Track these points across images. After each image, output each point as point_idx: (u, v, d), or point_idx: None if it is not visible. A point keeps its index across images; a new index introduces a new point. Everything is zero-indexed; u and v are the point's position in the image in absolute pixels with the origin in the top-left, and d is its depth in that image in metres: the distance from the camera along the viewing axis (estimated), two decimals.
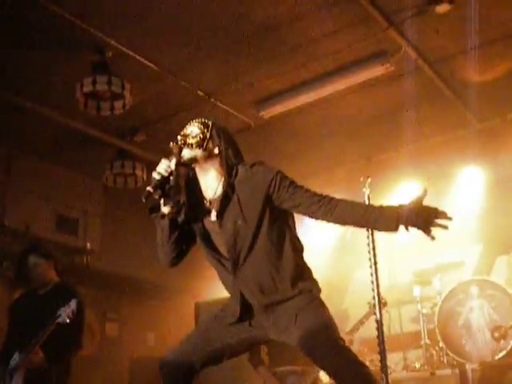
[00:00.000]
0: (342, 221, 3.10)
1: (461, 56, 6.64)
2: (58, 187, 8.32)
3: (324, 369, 3.05)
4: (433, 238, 2.95)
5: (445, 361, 6.64)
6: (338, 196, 3.11)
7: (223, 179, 3.15)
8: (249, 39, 6.12)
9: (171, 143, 3.19)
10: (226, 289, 3.26)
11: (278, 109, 7.11)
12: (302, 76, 6.73)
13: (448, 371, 6.15)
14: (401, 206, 3.01)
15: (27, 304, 5.35)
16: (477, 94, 7.23)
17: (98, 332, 9.35)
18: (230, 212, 3.11)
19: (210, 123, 3.24)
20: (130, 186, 8.16)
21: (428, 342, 6.98)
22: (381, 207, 3.05)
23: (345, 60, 6.53)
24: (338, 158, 8.41)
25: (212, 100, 7.02)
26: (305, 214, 3.12)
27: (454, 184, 8.64)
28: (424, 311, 7.13)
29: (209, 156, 3.17)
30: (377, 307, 4.57)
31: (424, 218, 2.95)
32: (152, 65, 6.41)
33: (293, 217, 3.26)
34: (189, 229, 3.23)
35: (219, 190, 3.16)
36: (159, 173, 3.04)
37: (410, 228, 2.97)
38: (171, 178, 3.05)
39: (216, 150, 3.18)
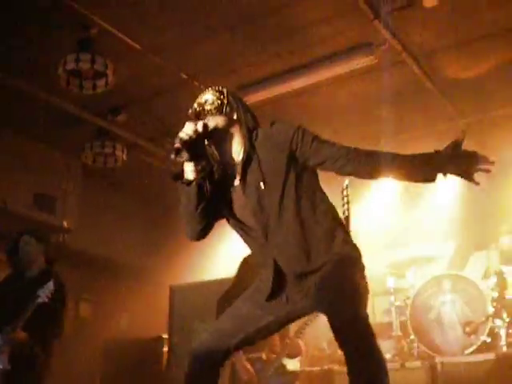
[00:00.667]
0: (373, 173, 2.94)
1: (446, 51, 6.67)
2: (37, 164, 8.28)
3: (341, 347, 2.76)
4: (477, 184, 2.78)
5: (415, 353, 6.68)
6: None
7: (244, 144, 3.03)
8: (235, 24, 6.11)
9: (189, 110, 3.05)
10: (258, 259, 3.12)
11: (261, 95, 7.08)
12: (286, 64, 6.72)
13: (418, 363, 6.18)
14: (437, 153, 2.82)
15: (12, 285, 5.34)
16: (460, 90, 7.29)
17: (72, 312, 9.32)
18: (252, 175, 2.98)
19: (224, 90, 3.12)
20: (109, 165, 8.13)
21: (399, 333, 7.02)
22: (414, 155, 2.87)
23: (330, 50, 6.53)
24: None
25: (195, 83, 6.99)
26: (333, 169, 2.97)
27: None
28: (397, 303, 7.16)
29: (229, 122, 3.04)
30: None
31: (464, 163, 2.78)
32: (137, 45, 6.38)
33: (317, 176, 3.11)
34: (215, 199, 3.04)
35: (240, 155, 3.03)
36: (187, 133, 2.85)
37: (448, 175, 2.82)
38: (198, 141, 2.90)
39: (235, 116, 3.07)
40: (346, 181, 4.66)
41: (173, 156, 2.83)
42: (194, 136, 2.86)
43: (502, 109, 7.65)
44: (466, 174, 2.80)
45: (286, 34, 6.28)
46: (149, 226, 10.24)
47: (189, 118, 3.01)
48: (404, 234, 8.63)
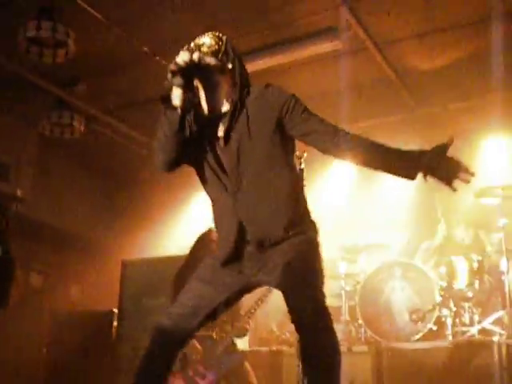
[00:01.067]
0: (354, 157, 2.97)
1: (409, 41, 6.72)
2: None
3: (296, 322, 2.86)
4: (454, 190, 2.80)
5: (362, 338, 6.77)
6: None
7: (234, 96, 3.03)
8: (201, 1, 6.06)
9: (185, 48, 2.98)
10: (222, 219, 3.08)
11: None
12: (249, 44, 6.69)
13: (364, 348, 6.25)
14: (422, 153, 2.85)
15: None
16: (420, 81, 7.35)
17: (22, 282, 9.24)
18: (237, 129, 2.99)
19: (224, 37, 3.10)
20: (66, 136, 8.02)
21: (348, 318, 7.11)
22: (400, 150, 2.91)
23: (294, 32, 6.52)
24: None
25: (157, 58, 6.92)
26: (315, 144, 3.00)
27: None
28: (347, 288, 7.24)
29: (221, 70, 3.00)
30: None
31: (446, 169, 2.80)
32: (100, 16, 6.28)
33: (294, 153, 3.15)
34: (192, 140, 3.02)
35: (227, 106, 3.04)
36: (183, 59, 2.80)
37: (428, 178, 2.84)
38: (192, 69, 2.85)
39: (229, 65, 3.05)
40: (302, 164, 4.66)
41: (169, 76, 2.81)
42: (190, 63, 2.82)
43: (461, 101, 7.72)
44: (447, 180, 2.82)
45: (251, 16, 6.26)
46: (105, 200, 10.18)
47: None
48: (357, 220, 8.70)
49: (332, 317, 2.88)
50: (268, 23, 6.37)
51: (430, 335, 6.37)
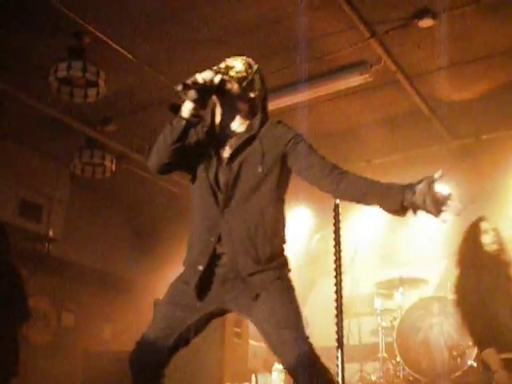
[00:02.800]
0: (346, 195, 3.03)
1: (440, 72, 6.65)
2: (24, 171, 8.20)
3: (282, 361, 2.89)
4: (444, 222, 2.76)
5: (401, 376, 6.63)
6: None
7: (249, 123, 3.14)
8: (229, 39, 6.06)
9: (214, 67, 3.07)
10: (200, 235, 3.07)
11: None
12: (280, 80, 6.67)
13: None
14: (409, 186, 2.83)
15: None
16: (453, 112, 7.26)
17: (54, 321, 9.22)
18: (242, 154, 3.06)
19: (255, 66, 3.21)
20: (97, 176, 8.05)
21: (385, 355, 6.97)
22: (388, 185, 2.93)
23: (324, 67, 6.50)
24: None
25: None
26: (313, 179, 3.04)
27: None
28: (383, 324, 7.12)
29: (242, 97, 3.13)
30: (338, 317, 4.52)
31: (434, 202, 2.76)
32: (129, 55, 6.32)
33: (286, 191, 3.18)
34: (190, 149, 3.13)
35: (240, 131, 3.13)
36: (203, 77, 2.94)
37: (418, 212, 2.82)
38: (210, 89, 2.99)
39: (252, 94, 3.15)
40: (337, 199, 4.61)
41: (179, 88, 2.92)
42: (208, 84, 2.96)
43: (494, 132, 7.62)
44: (435, 213, 2.77)
45: (280, 50, 6.25)
46: (135, 238, 10.17)
47: None
48: (393, 254, 8.60)
49: (319, 357, 2.87)
50: (296, 58, 6.33)
51: (470, 372, 6.20)
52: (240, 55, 3.25)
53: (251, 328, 7.04)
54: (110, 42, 6.11)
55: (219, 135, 3.16)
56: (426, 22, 5.79)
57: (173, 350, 3.05)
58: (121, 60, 6.34)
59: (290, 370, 2.85)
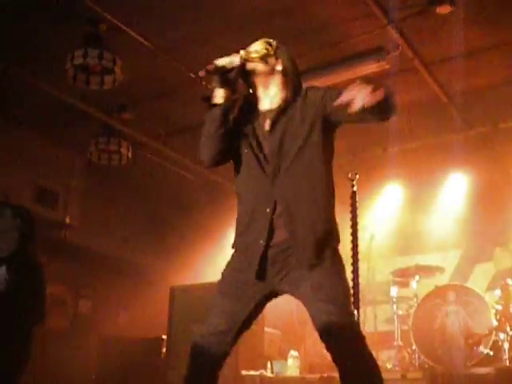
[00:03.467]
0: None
1: (457, 59, 6.59)
2: (41, 158, 8.24)
3: (332, 350, 2.86)
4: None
5: (416, 364, 6.61)
6: None
7: (283, 95, 3.17)
8: (245, 25, 6.04)
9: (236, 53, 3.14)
10: (253, 210, 3.06)
11: None
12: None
13: (419, 374, 6.09)
14: None
15: None
16: (470, 100, 7.20)
17: (71, 308, 9.28)
18: (282, 122, 3.10)
19: (274, 42, 3.26)
20: (114, 163, 8.08)
21: (401, 343, 6.96)
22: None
23: (341, 53, 6.48)
24: None
25: (203, 83, 6.92)
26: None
27: (438, 188, 8.63)
28: (399, 312, 7.10)
29: (270, 71, 3.17)
30: (355, 305, 4.52)
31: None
32: (146, 42, 6.32)
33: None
34: (236, 132, 3.16)
35: (276, 103, 3.16)
36: (223, 61, 3.03)
37: None
38: (232, 72, 3.06)
39: (279, 67, 3.20)
40: (355, 187, 4.60)
41: (201, 73, 3.02)
42: (229, 67, 3.03)
43: (511, 121, 7.57)
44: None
45: (297, 37, 6.21)
46: (152, 225, 10.19)
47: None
48: (409, 243, 8.59)
49: (365, 339, 2.88)
50: (314, 45, 6.32)
51: (486, 360, 6.19)
52: (256, 40, 3.28)
53: (267, 315, 7.06)
54: (127, 30, 6.12)
55: (257, 112, 3.19)
56: (444, 9, 5.75)
57: (234, 342, 3.06)
58: (137, 47, 6.34)
59: (336, 355, 2.85)
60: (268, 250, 2.99)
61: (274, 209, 3.00)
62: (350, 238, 4.63)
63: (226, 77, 3.03)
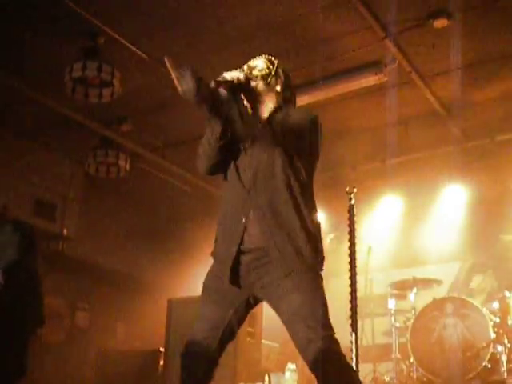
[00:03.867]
0: None
1: (455, 72, 6.62)
2: (39, 170, 8.23)
3: (305, 357, 2.88)
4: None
5: (414, 376, 6.60)
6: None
7: (274, 112, 3.23)
8: (244, 39, 6.07)
9: (238, 69, 3.21)
10: (229, 219, 3.13)
11: None
12: (295, 79, 6.65)
13: None
14: None
15: None
16: (468, 112, 7.24)
17: (68, 320, 9.26)
18: (264, 137, 3.16)
19: (275, 62, 3.33)
20: (112, 175, 8.08)
21: (399, 356, 6.94)
22: None
23: (339, 67, 6.50)
24: (322, 164, 8.37)
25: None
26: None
27: (436, 200, 8.64)
28: (397, 324, 7.09)
29: (269, 91, 3.24)
30: (353, 318, 4.52)
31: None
32: (144, 55, 6.34)
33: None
34: (230, 147, 3.19)
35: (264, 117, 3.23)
36: (231, 76, 3.08)
37: None
38: (237, 87, 3.10)
39: (278, 88, 3.28)
40: (352, 200, 4.60)
41: (213, 84, 3.01)
42: (236, 82, 3.07)
43: (509, 132, 7.59)
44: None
45: (296, 49, 6.24)
46: (150, 237, 10.17)
47: None
48: (407, 255, 8.59)
49: (343, 352, 2.89)
50: (311, 58, 6.33)
51: (484, 373, 6.18)
52: (256, 55, 3.31)
53: (264, 328, 7.06)
54: (125, 42, 6.13)
55: (249, 129, 3.23)
56: (441, 23, 5.79)
57: (220, 348, 3.09)
58: (135, 60, 6.36)
59: (310, 363, 2.86)
60: (240, 256, 3.03)
61: (248, 217, 3.04)
62: (348, 251, 4.63)
63: (231, 90, 3.07)
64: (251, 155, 3.13)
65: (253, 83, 3.18)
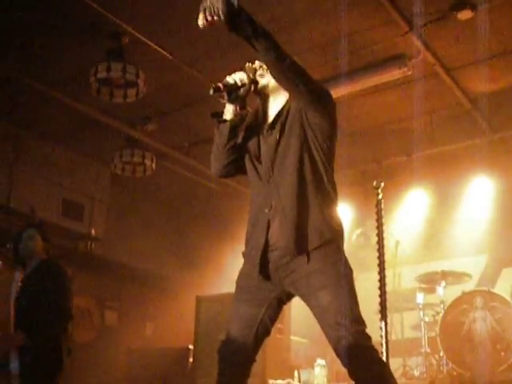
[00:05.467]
0: None
1: (479, 64, 6.58)
2: (66, 172, 8.32)
3: (337, 353, 2.87)
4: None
5: (444, 370, 6.56)
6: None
7: (288, 103, 3.19)
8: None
9: (247, 64, 3.20)
10: (255, 215, 3.13)
11: None
12: (318, 75, 6.66)
13: (447, 381, 6.08)
14: None
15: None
16: (493, 105, 7.17)
17: (97, 319, 9.33)
18: (278, 128, 3.14)
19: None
20: (138, 175, 8.13)
21: (428, 350, 6.91)
22: None
23: (363, 61, 6.48)
24: (348, 160, 8.35)
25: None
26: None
27: (463, 193, 8.59)
28: (426, 319, 7.07)
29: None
30: (383, 312, 4.50)
31: None
32: (168, 55, 6.37)
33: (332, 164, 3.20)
34: (243, 145, 3.23)
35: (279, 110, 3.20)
36: (233, 79, 3.09)
37: None
38: (242, 89, 3.10)
39: None
40: (380, 195, 4.59)
41: (211, 92, 3.05)
42: (239, 84, 3.09)
43: None
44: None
45: (319, 45, 6.24)
46: (177, 236, 10.22)
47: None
48: (435, 248, 8.54)
49: (375, 347, 2.89)
50: (336, 53, 6.32)
51: None
52: None
53: (293, 324, 7.06)
54: (149, 42, 6.17)
55: (261, 121, 3.24)
56: (465, 14, 5.75)
57: (256, 346, 3.11)
58: (160, 60, 6.40)
59: (342, 359, 2.85)
60: (268, 253, 3.02)
61: (271, 209, 3.04)
62: (376, 245, 4.62)
63: (235, 94, 3.10)
64: (267, 148, 3.14)
65: (264, 81, 3.16)
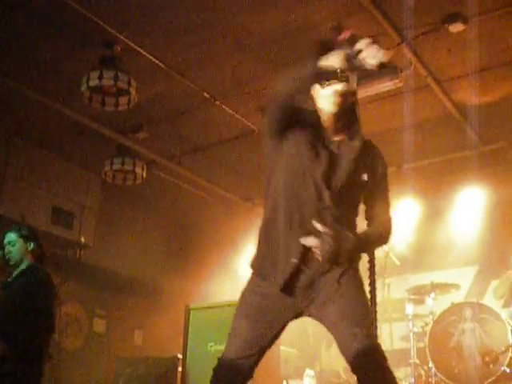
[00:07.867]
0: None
1: (471, 77, 6.60)
2: (56, 179, 8.29)
3: (349, 358, 2.84)
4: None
5: (433, 381, 6.58)
6: None
7: (357, 131, 3.13)
8: (259, 46, 6.09)
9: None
10: (287, 226, 2.96)
11: None
12: None
13: None
14: None
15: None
16: (484, 116, 7.20)
17: (86, 327, 9.30)
18: (345, 148, 3.06)
19: None
20: (128, 183, 8.11)
21: (417, 361, 6.92)
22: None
23: (353, 73, 6.48)
24: None
25: (217, 103, 6.98)
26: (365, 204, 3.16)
27: (453, 204, 8.61)
28: (415, 329, 7.08)
29: (353, 95, 3.15)
30: (373, 323, 4.50)
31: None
32: (160, 63, 6.37)
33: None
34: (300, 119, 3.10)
35: (344, 133, 3.11)
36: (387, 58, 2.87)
37: None
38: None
39: (355, 98, 3.20)
40: None
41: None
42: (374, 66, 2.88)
43: None
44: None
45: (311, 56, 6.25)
46: (166, 245, 10.21)
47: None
48: (425, 259, 8.56)
49: (386, 357, 2.86)
50: None
51: (503, 378, 6.16)
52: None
53: (283, 333, 7.04)
54: (141, 51, 6.16)
55: (326, 129, 3.11)
56: (457, 27, 5.77)
57: (256, 364, 3.04)
58: (152, 68, 6.39)
59: (359, 369, 2.84)
60: (300, 271, 2.92)
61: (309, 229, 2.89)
62: (366, 256, 4.62)
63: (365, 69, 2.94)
64: (338, 173, 3.02)
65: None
